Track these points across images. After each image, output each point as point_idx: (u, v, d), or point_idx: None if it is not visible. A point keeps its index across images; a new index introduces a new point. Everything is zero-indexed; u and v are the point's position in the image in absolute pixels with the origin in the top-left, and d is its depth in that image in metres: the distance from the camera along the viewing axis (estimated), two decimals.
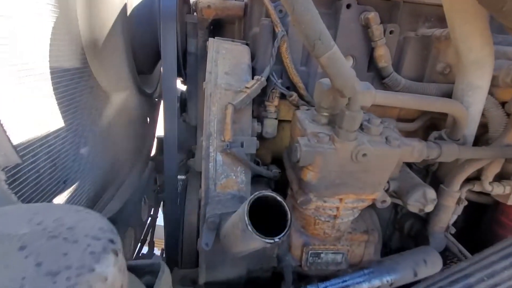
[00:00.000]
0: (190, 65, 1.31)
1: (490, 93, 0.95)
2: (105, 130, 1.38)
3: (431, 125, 1.09)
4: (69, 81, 1.08)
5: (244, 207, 0.59)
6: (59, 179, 1.10)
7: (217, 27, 1.49)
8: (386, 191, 0.92)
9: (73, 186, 1.21)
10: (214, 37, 1.50)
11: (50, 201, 1.05)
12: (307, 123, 0.83)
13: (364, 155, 0.75)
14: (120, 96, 1.28)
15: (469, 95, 0.87)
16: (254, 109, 1.04)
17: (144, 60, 1.31)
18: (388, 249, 1.21)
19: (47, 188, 1.02)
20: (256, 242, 0.59)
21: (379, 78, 1.01)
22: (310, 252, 0.96)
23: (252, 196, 0.61)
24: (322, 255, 0.96)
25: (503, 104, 0.95)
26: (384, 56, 0.95)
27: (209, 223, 0.80)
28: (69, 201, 1.18)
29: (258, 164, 1.05)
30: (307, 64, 1.02)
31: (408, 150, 0.81)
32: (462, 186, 1.06)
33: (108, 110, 1.34)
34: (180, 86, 2.05)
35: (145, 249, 2.27)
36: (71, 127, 1.13)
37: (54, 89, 1.00)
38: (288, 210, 0.62)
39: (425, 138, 1.05)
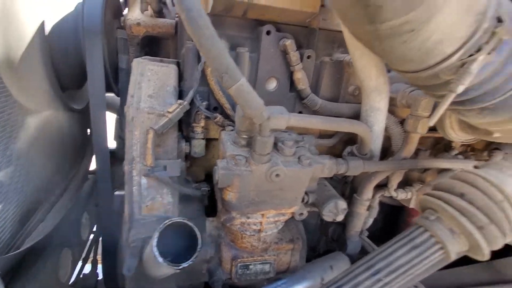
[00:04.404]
0: (122, 81, 1.29)
1: (392, 111, 1.09)
2: (31, 149, 1.29)
3: (349, 140, 1.21)
4: None
5: (154, 237, 0.62)
6: None
7: (154, 42, 1.48)
8: (306, 203, 1.01)
9: None
10: (149, 51, 1.49)
11: None
12: (228, 145, 0.88)
13: (277, 175, 0.82)
14: (43, 114, 1.21)
15: (371, 116, 0.99)
16: (184, 129, 1.07)
17: (70, 76, 1.26)
18: (317, 252, 1.32)
19: None
20: (166, 268, 0.62)
21: (300, 98, 1.10)
22: (239, 264, 1.01)
23: (162, 224, 0.63)
24: (250, 266, 1.02)
25: (403, 121, 1.10)
26: (301, 79, 1.04)
27: (131, 248, 0.81)
28: None
29: (189, 182, 1.08)
30: None
31: (319, 168, 0.90)
32: (375, 192, 1.20)
33: (32, 129, 1.26)
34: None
35: (88, 268, 2.15)
36: None
37: None
38: (198, 234, 0.65)
39: (342, 151, 1.17)
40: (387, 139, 1.12)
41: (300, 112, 1.14)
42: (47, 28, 1.10)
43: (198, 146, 1.01)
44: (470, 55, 0.60)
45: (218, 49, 0.68)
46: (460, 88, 0.62)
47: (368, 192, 1.10)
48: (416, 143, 1.03)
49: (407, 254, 0.53)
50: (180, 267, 0.61)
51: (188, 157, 1.07)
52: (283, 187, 0.87)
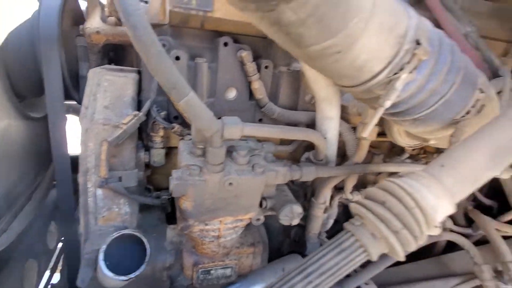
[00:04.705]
0: (83, 88, 1.27)
1: (346, 119, 1.15)
2: None
3: (309, 146, 1.27)
4: None
5: (101, 250, 0.63)
6: None
7: (119, 48, 1.47)
8: (265, 208, 1.05)
9: None
10: (114, 58, 1.48)
11: None
12: (184, 155, 0.90)
13: (231, 184, 0.86)
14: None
15: (325, 124, 1.05)
16: (144, 138, 1.08)
17: (27, 85, 1.23)
18: (281, 254, 1.36)
19: None
20: (113, 280, 0.64)
21: (259, 107, 1.14)
22: (200, 270, 1.03)
23: (109, 237, 0.65)
24: (212, 271, 1.05)
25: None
26: (258, 89, 1.08)
27: (86, 260, 0.81)
28: None
29: (149, 190, 1.09)
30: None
31: (272, 175, 0.94)
32: (335, 195, 1.26)
33: None
34: None
35: (57, 277, 2.09)
36: None
37: None
38: (147, 246, 0.68)
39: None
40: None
41: (260, 120, 1.18)
42: (1, 38, 1.08)
43: (157, 155, 1.03)
44: (395, 73, 0.66)
45: (165, 65, 0.70)
46: (388, 103, 0.67)
47: (323, 196, 1.15)
48: (367, 149, 1.10)
49: (336, 257, 0.58)
50: (127, 279, 0.63)
51: (148, 165, 1.08)
52: (238, 195, 0.90)
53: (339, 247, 0.59)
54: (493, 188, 1.45)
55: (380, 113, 0.70)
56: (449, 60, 0.69)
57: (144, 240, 0.67)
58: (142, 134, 1.07)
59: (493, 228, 1.19)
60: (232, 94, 1.12)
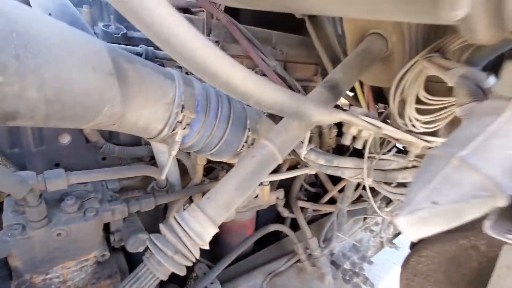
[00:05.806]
0: None
1: None
2: None
3: None
4: None
5: None
6: None
7: None
8: (114, 241, 1.15)
9: None
10: None
11: None
12: (7, 214, 0.92)
13: (59, 234, 0.92)
14: None
15: (161, 157, 1.20)
16: None
17: None
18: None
19: None
20: None
21: (98, 148, 1.21)
22: None
23: None
24: None
25: None
26: (90, 133, 1.14)
27: None
28: None
29: None
30: (19, 145, 1.08)
31: (107, 215, 1.04)
32: None
33: None
34: None
35: None
36: None
37: None
38: None
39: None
40: None
41: (103, 159, 1.25)
42: None
43: None
44: (173, 130, 0.84)
45: None
46: (173, 153, 0.86)
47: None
48: (202, 172, 1.31)
49: (133, 285, 0.74)
50: None
51: None
52: (74, 240, 0.97)
53: (136, 276, 0.75)
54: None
55: (170, 160, 0.88)
56: (219, 112, 0.92)
57: None
58: None
59: (300, 214, 1.59)
60: (65, 139, 1.16)
